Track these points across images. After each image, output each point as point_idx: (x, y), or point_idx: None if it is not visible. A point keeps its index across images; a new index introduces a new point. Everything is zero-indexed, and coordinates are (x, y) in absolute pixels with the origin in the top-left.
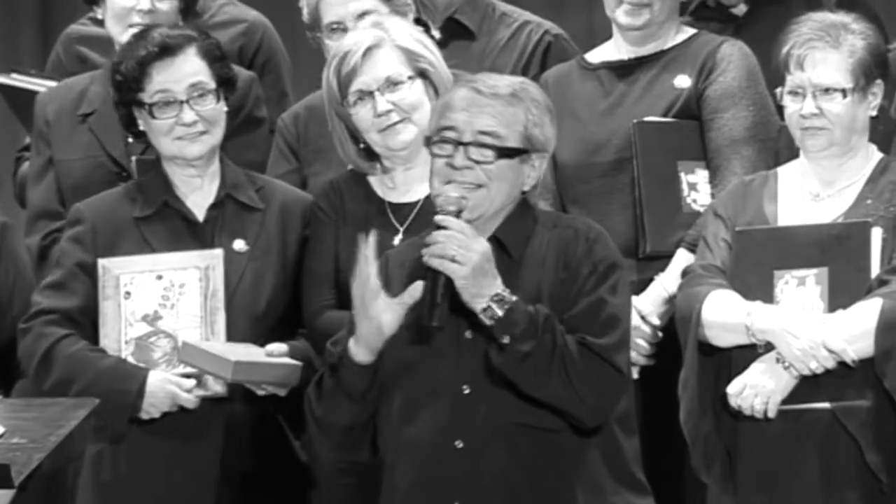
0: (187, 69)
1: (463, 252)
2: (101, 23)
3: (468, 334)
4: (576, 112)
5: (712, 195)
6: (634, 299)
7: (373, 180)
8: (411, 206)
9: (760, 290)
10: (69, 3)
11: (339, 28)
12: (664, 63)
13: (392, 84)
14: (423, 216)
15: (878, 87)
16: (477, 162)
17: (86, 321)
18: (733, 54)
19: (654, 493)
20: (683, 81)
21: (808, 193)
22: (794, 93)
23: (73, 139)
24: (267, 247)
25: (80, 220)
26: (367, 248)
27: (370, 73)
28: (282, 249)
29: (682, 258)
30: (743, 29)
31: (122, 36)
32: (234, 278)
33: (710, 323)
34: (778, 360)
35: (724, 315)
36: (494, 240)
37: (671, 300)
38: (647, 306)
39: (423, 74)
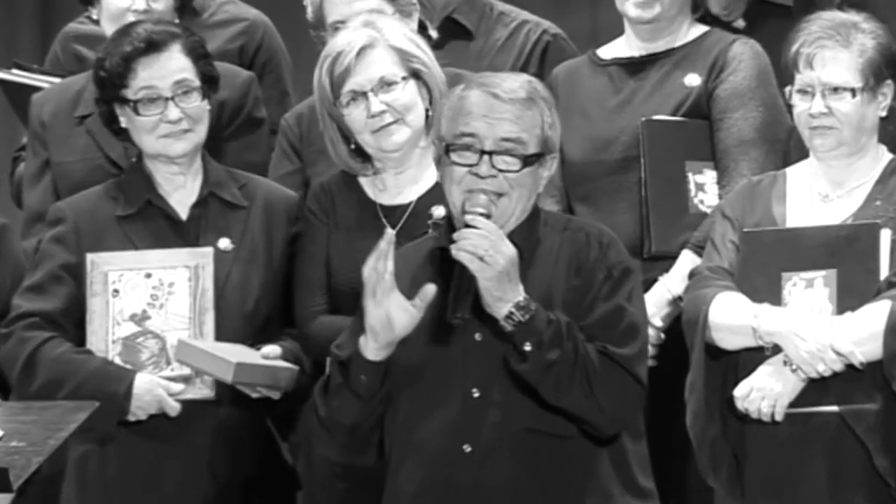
0: (172, 66)
1: (492, 253)
2: (98, 22)
3: (478, 337)
4: (585, 108)
5: (720, 196)
6: None
7: (364, 182)
8: (403, 208)
9: (768, 292)
10: (68, 1)
11: (343, 27)
12: (675, 60)
13: (386, 85)
14: (414, 218)
15: (888, 88)
16: (501, 170)
17: (68, 323)
18: (745, 53)
19: (660, 497)
20: (693, 80)
21: (817, 194)
22: (802, 91)
23: (70, 141)
24: (252, 245)
25: (62, 219)
26: (385, 242)
27: (364, 73)
28: (267, 248)
29: (687, 260)
30: None
31: None
32: (221, 277)
33: (717, 325)
34: (785, 363)
35: (732, 317)
36: (511, 243)
37: (675, 302)
38: (651, 308)
39: (416, 75)
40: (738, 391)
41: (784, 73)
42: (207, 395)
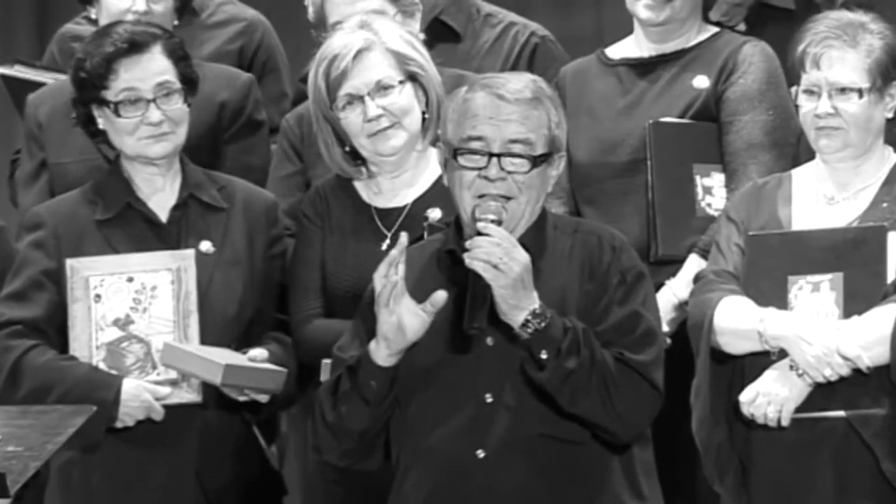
0: (154, 68)
1: (506, 261)
2: (95, 22)
3: (490, 341)
4: (593, 109)
5: (728, 199)
6: None
7: (358, 185)
8: (398, 211)
9: (774, 295)
10: (65, 1)
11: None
12: (685, 62)
13: (382, 88)
14: (409, 221)
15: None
16: (510, 172)
17: (51, 330)
18: (755, 55)
19: (667, 503)
20: (702, 82)
21: (823, 196)
22: (809, 92)
23: (67, 142)
24: (234, 248)
25: (41, 224)
26: (398, 249)
27: (360, 76)
28: (249, 251)
29: (694, 264)
30: None
31: None
32: (204, 281)
33: (723, 330)
34: (791, 368)
35: (737, 321)
36: (521, 247)
37: (681, 306)
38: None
39: (413, 78)
40: (744, 396)
41: (790, 73)
42: (194, 399)
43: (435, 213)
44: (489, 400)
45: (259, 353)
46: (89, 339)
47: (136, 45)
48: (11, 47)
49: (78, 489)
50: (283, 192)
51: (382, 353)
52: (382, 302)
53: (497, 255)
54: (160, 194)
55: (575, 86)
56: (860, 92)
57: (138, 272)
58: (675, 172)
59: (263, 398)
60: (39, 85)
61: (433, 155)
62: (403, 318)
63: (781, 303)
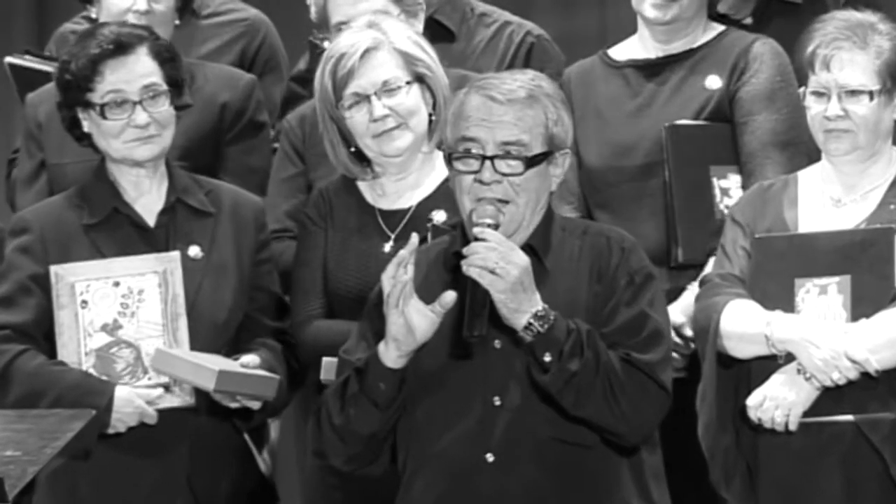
0: (140, 69)
1: (503, 265)
2: (94, 21)
3: (497, 344)
4: (601, 112)
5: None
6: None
7: (363, 186)
8: (402, 213)
9: (781, 298)
10: (64, 1)
11: (348, 28)
12: (694, 62)
13: (389, 89)
14: (413, 223)
15: None
16: (505, 174)
17: (40, 335)
18: (765, 53)
19: None
20: (714, 82)
21: (830, 199)
22: (818, 93)
23: (66, 143)
24: (222, 253)
25: (27, 228)
26: (407, 250)
27: (367, 76)
28: (237, 256)
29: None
30: None
31: None
32: (193, 286)
33: (729, 333)
34: (799, 371)
35: (744, 325)
36: (528, 248)
37: None
38: (680, 317)
39: (420, 79)
40: (751, 400)
41: (797, 73)
42: (188, 402)
43: (439, 216)
44: (497, 403)
45: (251, 359)
46: (78, 346)
47: (121, 47)
48: (10, 46)
49: (68, 496)
50: (284, 193)
51: (392, 354)
52: (392, 303)
53: (493, 260)
54: (147, 198)
55: (581, 88)
56: (871, 94)
57: (124, 276)
58: (692, 175)
59: (255, 405)
60: (47, 74)
61: (440, 157)
62: (412, 319)
63: (788, 306)
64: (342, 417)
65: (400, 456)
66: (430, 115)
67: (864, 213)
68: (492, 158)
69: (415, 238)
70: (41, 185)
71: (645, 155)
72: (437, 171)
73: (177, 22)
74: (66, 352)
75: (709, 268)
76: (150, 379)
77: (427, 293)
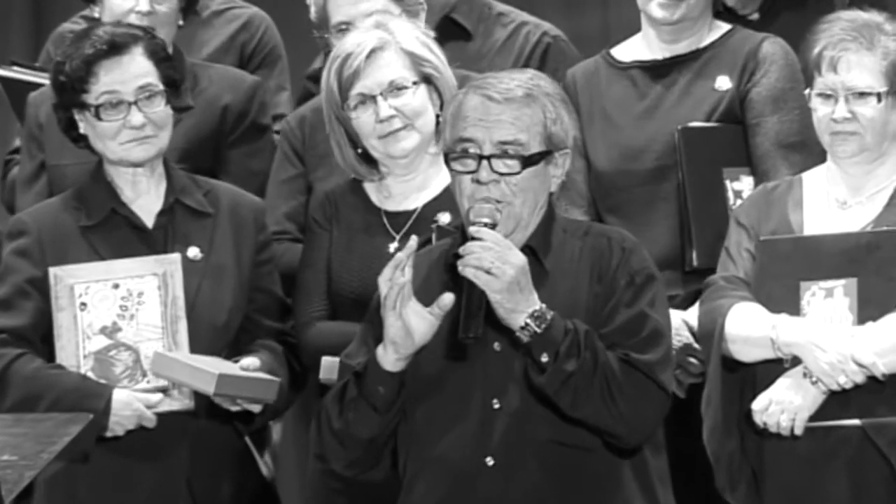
0: (135, 69)
1: (499, 265)
2: (93, 21)
3: (496, 346)
4: (608, 114)
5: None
6: (684, 315)
7: (369, 188)
8: (408, 214)
9: (786, 302)
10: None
11: (348, 28)
12: (702, 63)
13: (395, 89)
14: (419, 225)
15: None
16: (502, 174)
17: (37, 339)
18: (776, 53)
19: None
20: (724, 83)
21: (835, 200)
22: (824, 95)
23: (66, 144)
24: (221, 254)
25: (25, 231)
26: (405, 252)
27: (373, 76)
28: (236, 257)
29: None
30: None
31: None
32: (192, 288)
33: (734, 337)
34: (805, 375)
35: (749, 329)
36: (528, 249)
37: None
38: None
39: (427, 80)
40: (757, 404)
41: (803, 73)
42: (188, 406)
43: (445, 217)
44: (496, 406)
45: (251, 361)
46: (76, 349)
47: (115, 47)
48: (7, 47)
49: (67, 500)
50: (283, 195)
51: (390, 357)
52: (389, 305)
53: (488, 260)
54: (145, 198)
55: (586, 90)
56: (879, 96)
57: (124, 278)
58: (706, 178)
59: (256, 408)
60: (37, 86)
61: None
62: (411, 321)
63: (794, 309)
64: (341, 422)
65: (400, 460)
66: (438, 116)
67: (871, 216)
68: (489, 158)
69: (413, 240)
70: (41, 187)
71: (656, 158)
72: (444, 173)
73: (180, 23)
74: (64, 354)
75: None
76: (149, 382)
77: (427, 295)
